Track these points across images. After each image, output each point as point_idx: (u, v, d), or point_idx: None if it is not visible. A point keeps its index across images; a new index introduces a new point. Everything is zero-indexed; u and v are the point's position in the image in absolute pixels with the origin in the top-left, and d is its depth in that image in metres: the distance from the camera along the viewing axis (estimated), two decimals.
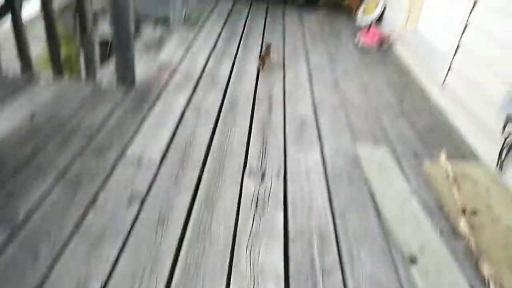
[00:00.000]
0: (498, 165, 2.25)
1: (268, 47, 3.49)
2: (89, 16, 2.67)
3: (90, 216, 1.70)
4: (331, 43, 4.29)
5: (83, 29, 2.74)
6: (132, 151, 2.16)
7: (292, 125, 2.64)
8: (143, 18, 4.20)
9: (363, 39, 4.25)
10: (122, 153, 2.14)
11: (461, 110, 2.78)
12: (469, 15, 2.80)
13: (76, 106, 2.53)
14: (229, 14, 4.89)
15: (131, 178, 1.96)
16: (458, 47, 2.92)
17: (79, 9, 2.69)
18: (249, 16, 4.91)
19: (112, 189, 1.87)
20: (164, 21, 4.19)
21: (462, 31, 2.87)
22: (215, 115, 2.64)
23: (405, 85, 3.46)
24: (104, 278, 1.43)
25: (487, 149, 2.41)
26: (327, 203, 1.96)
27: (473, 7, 2.77)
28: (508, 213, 1.96)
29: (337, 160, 2.31)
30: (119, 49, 2.71)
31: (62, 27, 3.94)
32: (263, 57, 3.42)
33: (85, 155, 2.08)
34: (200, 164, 2.13)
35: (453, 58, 2.97)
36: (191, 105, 2.73)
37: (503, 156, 2.22)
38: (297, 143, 2.44)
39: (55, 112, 2.44)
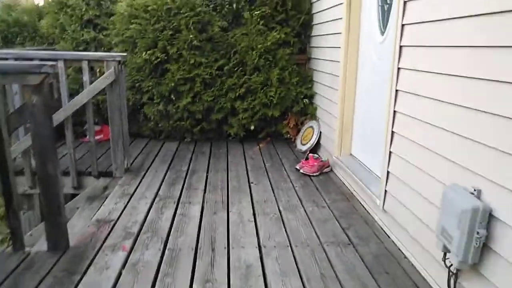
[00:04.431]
0: None
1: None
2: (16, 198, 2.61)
3: None
4: (274, 174, 4.39)
5: (9, 203, 2.62)
6: None
7: (237, 275, 2.50)
8: (86, 173, 4.20)
9: (304, 167, 4.40)
10: None
11: (405, 237, 2.78)
12: (390, 144, 2.99)
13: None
14: (173, 157, 4.99)
15: None
16: (388, 173, 3.04)
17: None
18: (193, 157, 5.02)
19: None
20: (107, 173, 4.20)
21: (388, 159, 3.03)
22: (153, 275, 2.47)
23: (349, 212, 3.49)
24: None
25: (439, 280, 2.35)
26: None
27: (391, 138, 2.97)
28: None
29: None
30: (50, 216, 2.60)
31: None
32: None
33: None
34: None
35: (386, 183, 3.07)
36: (128, 266, 2.57)
37: (451, 286, 2.16)
38: None
39: None
